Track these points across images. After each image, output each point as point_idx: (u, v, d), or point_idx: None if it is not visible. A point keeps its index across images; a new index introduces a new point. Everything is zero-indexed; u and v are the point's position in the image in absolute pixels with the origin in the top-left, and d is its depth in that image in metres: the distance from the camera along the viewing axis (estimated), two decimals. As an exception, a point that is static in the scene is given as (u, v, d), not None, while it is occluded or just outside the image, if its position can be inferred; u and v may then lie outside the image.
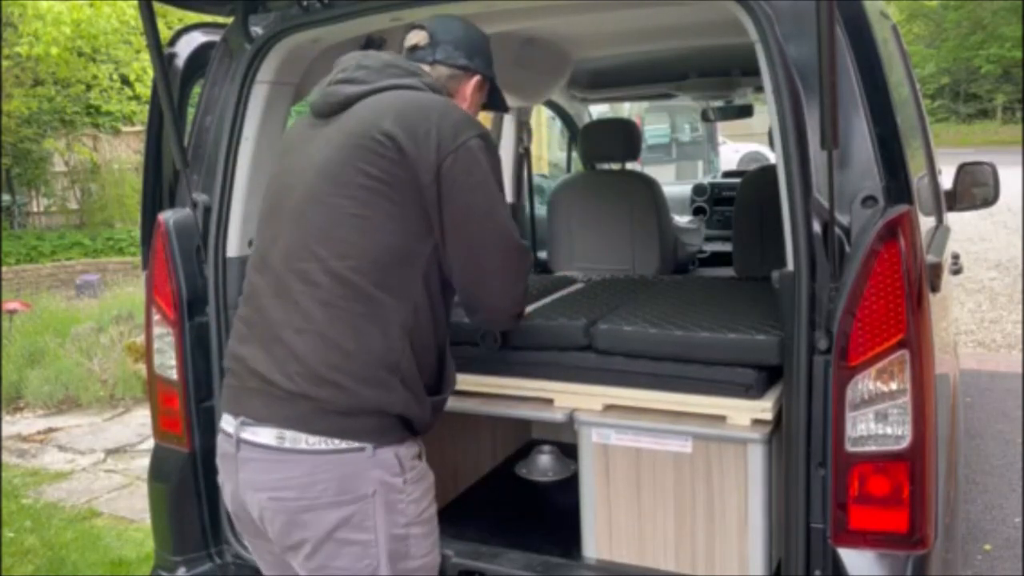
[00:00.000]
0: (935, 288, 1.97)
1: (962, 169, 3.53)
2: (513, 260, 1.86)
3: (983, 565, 3.49)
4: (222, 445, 1.85)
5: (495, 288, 1.86)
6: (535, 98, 4.27)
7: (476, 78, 1.97)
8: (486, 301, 1.89)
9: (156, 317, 2.50)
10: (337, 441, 1.67)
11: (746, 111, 5.34)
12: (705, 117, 5.69)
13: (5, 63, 10.19)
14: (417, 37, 1.94)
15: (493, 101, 2.08)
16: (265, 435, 1.72)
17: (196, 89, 2.72)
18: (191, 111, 2.69)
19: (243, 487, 1.77)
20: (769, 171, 2.67)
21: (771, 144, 2.23)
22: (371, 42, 2.80)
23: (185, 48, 2.75)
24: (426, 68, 1.91)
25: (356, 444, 1.68)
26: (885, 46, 2.21)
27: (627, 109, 8.86)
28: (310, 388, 1.67)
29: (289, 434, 1.69)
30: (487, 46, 2.05)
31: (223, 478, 1.87)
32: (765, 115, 2.59)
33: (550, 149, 9.92)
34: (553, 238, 4.20)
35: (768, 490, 2.06)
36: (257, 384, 1.74)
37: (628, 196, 4.12)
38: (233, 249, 2.48)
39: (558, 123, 6.45)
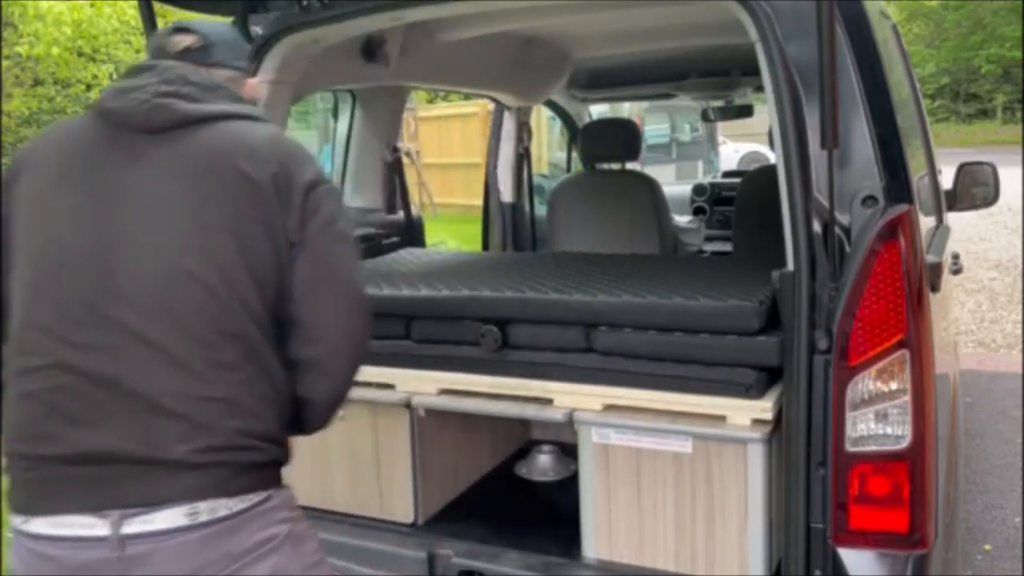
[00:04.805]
0: (935, 288, 1.97)
1: (962, 169, 3.53)
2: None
3: (983, 565, 3.48)
4: (76, 557, 1.47)
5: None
6: (535, 98, 4.28)
7: (250, 79, 1.83)
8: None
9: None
10: (252, 496, 1.56)
11: (746, 111, 5.34)
12: (705, 117, 5.70)
13: (5, 63, 10.19)
14: (188, 40, 1.72)
15: None
16: (169, 518, 1.47)
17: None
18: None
19: None
20: (769, 171, 2.67)
21: (771, 144, 2.23)
22: (371, 42, 2.80)
23: (185, 48, 2.75)
24: (204, 72, 1.69)
25: (265, 493, 1.58)
26: (885, 46, 2.21)
27: (627, 109, 8.86)
28: (223, 455, 1.51)
29: (203, 505, 1.49)
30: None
31: None
32: (765, 115, 2.58)
33: (550, 149, 9.92)
34: (553, 238, 4.20)
35: (768, 490, 2.06)
36: (127, 468, 1.48)
37: (628, 196, 4.12)
38: (233, 249, 2.47)
39: (558, 123, 6.44)
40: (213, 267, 1.51)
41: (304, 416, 1.69)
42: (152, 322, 1.49)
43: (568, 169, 5.67)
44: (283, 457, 1.65)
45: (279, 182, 1.55)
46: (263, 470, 1.59)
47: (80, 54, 10.92)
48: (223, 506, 1.52)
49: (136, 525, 1.47)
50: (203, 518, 1.50)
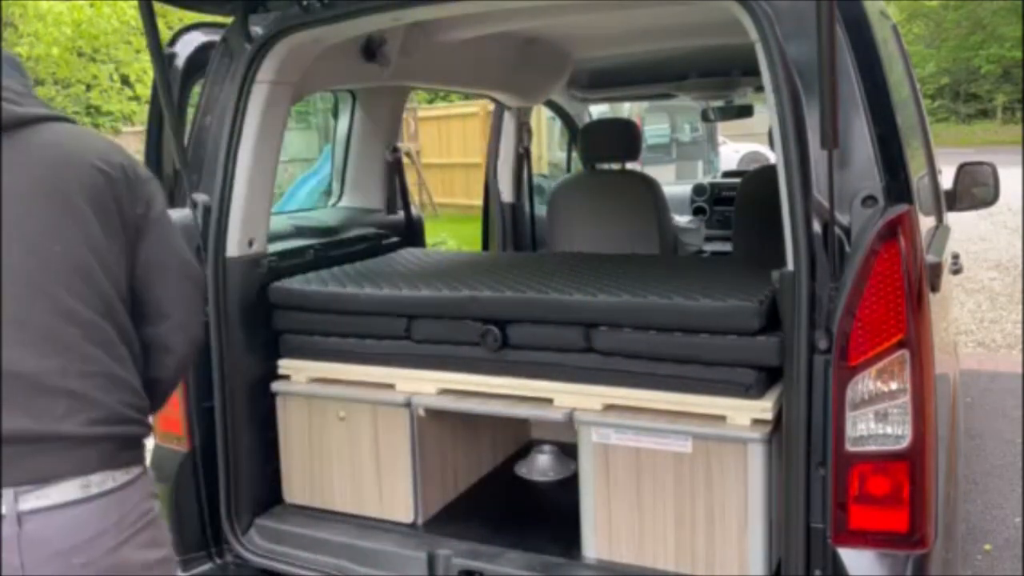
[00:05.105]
0: (935, 288, 1.97)
1: (962, 169, 3.53)
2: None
3: (983, 565, 3.48)
4: None
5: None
6: (535, 98, 4.27)
7: None
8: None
9: (156, 317, 2.49)
10: (135, 468, 1.65)
11: (746, 111, 5.34)
12: (705, 117, 5.70)
13: (5, 63, 10.19)
14: None
15: None
16: (64, 491, 1.54)
17: (196, 89, 2.72)
18: (191, 111, 2.69)
19: (42, 565, 1.52)
20: (769, 171, 2.68)
21: (771, 144, 2.24)
22: (371, 42, 2.80)
23: (185, 48, 2.76)
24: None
25: (142, 467, 1.69)
26: (885, 46, 2.21)
27: (627, 109, 8.87)
28: (110, 428, 1.60)
29: (95, 477, 1.57)
30: None
31: None
32: (765, 115, 2.59)
33: (550, 149, 9.93)
34: (553, 238, 4.20)
35: (768, 490, 2.06)
36: (23, 448, 1.52)
37: (628, 196, 4.12)
38: (233, 249, 2.48)
39: (558, 123, 6.45)
40: (89, 252, 1.61)
41: (151, 397, 1.77)
42: (31, 306, 1.56)
43: (568, 169, 5.68)
44: (149, 435, 1.76)
45: (128, 174, 1.70)
46: (140, 446, 1.71)
47: (80, 54, 10.93)
48: (111, 478, 1.60)
49: (32, 501, 1.51)
50: (95, 490, 1.57)
